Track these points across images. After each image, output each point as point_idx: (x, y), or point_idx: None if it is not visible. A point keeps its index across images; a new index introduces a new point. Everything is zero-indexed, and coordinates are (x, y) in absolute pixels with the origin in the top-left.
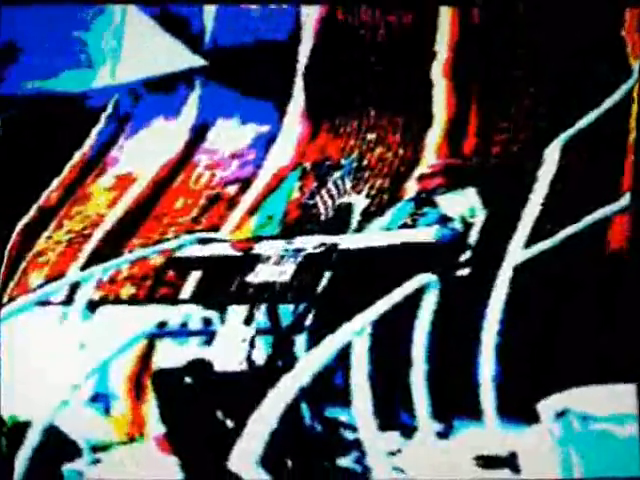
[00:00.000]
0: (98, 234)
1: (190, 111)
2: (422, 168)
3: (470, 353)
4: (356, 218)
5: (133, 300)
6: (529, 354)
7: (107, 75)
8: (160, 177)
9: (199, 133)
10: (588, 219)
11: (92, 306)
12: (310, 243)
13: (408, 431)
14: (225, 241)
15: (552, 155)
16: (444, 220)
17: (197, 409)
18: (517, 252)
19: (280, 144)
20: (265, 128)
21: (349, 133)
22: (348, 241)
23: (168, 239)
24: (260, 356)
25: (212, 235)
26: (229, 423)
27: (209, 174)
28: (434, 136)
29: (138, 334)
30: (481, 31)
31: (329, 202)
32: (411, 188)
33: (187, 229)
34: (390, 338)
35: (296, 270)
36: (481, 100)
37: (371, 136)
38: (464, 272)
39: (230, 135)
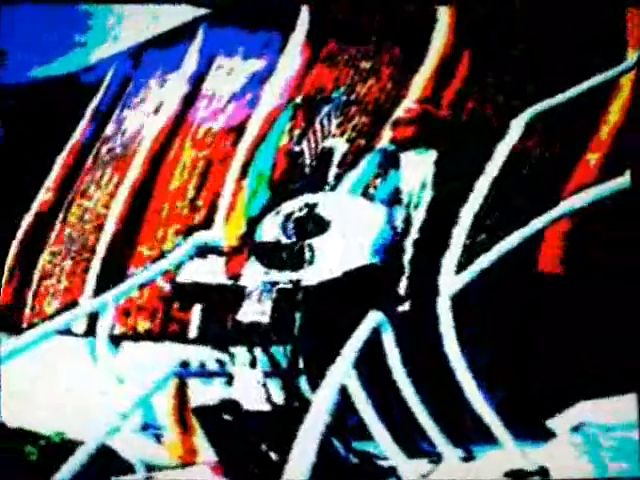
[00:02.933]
0: (102, 245)
1: (190, 60)
2: (402, 107)
3: (450, 382)
4: (333, 170)
5: (150, 336)
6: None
7: (106, 48)
8: (155, 150)
9: (197, 81)
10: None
11: (115, 340)
12: (281, 276)
13: (435, 457)
14: (220, 252)
15: (516, 129)
16: (395, 199)
17: (242, 442)
18: (450, 279)
19: (278, 77)
20: (265, 61)
21: (346, 60)
22: (309, 276)
23: (169, 251)
24: (277, 397)
25: (207, 237)
26: (273, 455)
27: (205, 129)
28: (424, 73)
29: (169, 373)
30: None
31: (314, 146)
32: (387, 134)
33: (184, 225)
34: (375, 377)
35: (272, 309)
36: (476, 47)
37: (366, 64)
38: (405, 307)
39: (229, 76)
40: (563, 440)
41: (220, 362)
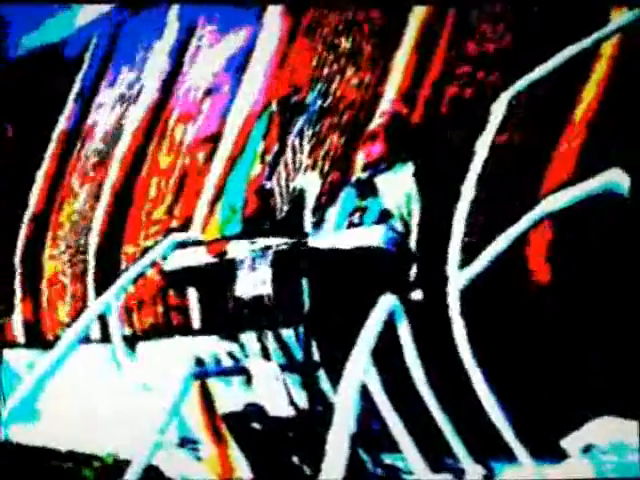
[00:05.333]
0: (92, 246)
1: (171, 29)
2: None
3: (469, 393)
4: (309, 219)
5: (157, 332)
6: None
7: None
8: (133, 150)
9: (178, 56)
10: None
11: (130, 343)
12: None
13: (458, 473)
14: (200, 242)
15: (496, 114)
16: (385, 216)
17: (274, 455)
18: (455, 274)
19: (256, 60)
20: (244, 35)
21: (324, 38)
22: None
23: (151, 246)
24: (299, 397)
25: (187, 236)
26: (306, 469)
27: (181, 130)
28: (404, 50)
29: (188, 375)
30: None
31: (284, 185)
32: (360, 157)
33: (164, 227)
34: (394, 378)
35: (273, 276)
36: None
37: (346, 44)
38: (418, 295)
39: (208, 54)
40: (575, 460)
41: (233, 356)
